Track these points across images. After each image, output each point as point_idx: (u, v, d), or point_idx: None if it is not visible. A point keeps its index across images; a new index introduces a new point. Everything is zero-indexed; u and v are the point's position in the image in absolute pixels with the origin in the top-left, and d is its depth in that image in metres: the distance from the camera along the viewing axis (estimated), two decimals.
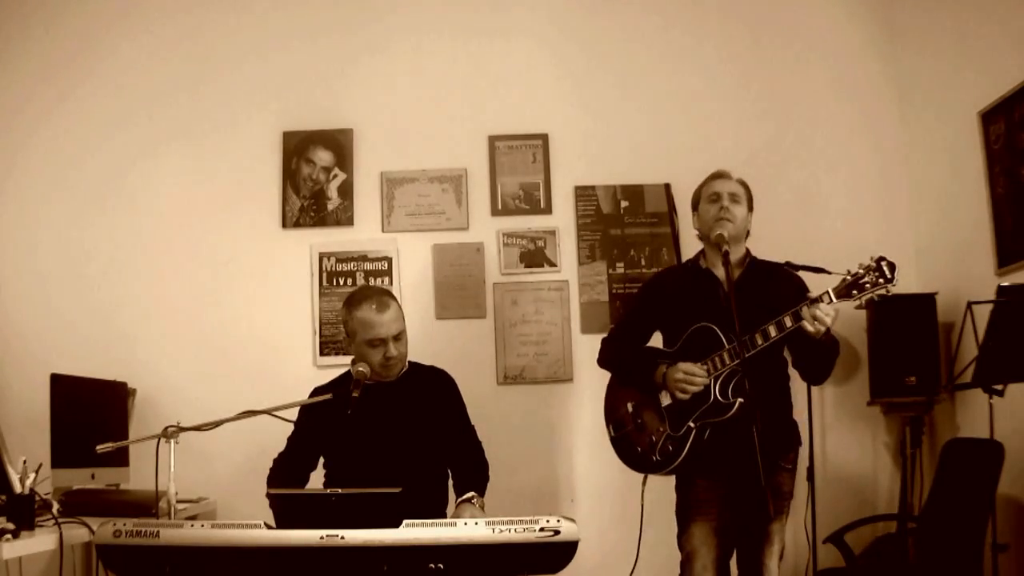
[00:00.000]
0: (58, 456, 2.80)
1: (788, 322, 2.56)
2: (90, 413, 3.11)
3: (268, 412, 2.61)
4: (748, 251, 2.87)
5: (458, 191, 4.00)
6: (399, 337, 2.86)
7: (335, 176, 4.00)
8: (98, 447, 2.56)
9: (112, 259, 3.90)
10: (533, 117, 4.04)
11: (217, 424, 2.57)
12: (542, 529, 2.14)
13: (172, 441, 2.46)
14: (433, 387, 2.99)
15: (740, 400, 2.62)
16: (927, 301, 3.59)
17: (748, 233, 2.87)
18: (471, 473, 2.92)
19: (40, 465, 2.50)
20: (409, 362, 2.97)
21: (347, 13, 4.07)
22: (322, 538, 2.10)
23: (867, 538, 3.62)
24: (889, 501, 3.79)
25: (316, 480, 3.00)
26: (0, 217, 3.91)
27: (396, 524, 2.14)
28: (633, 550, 3.01)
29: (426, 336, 3.68)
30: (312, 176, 4.00)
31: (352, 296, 2.92)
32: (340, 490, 2.26)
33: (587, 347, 3.71)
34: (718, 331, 2.67)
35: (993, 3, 3.41)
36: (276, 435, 2.88)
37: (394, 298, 2.90)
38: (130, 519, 2.20)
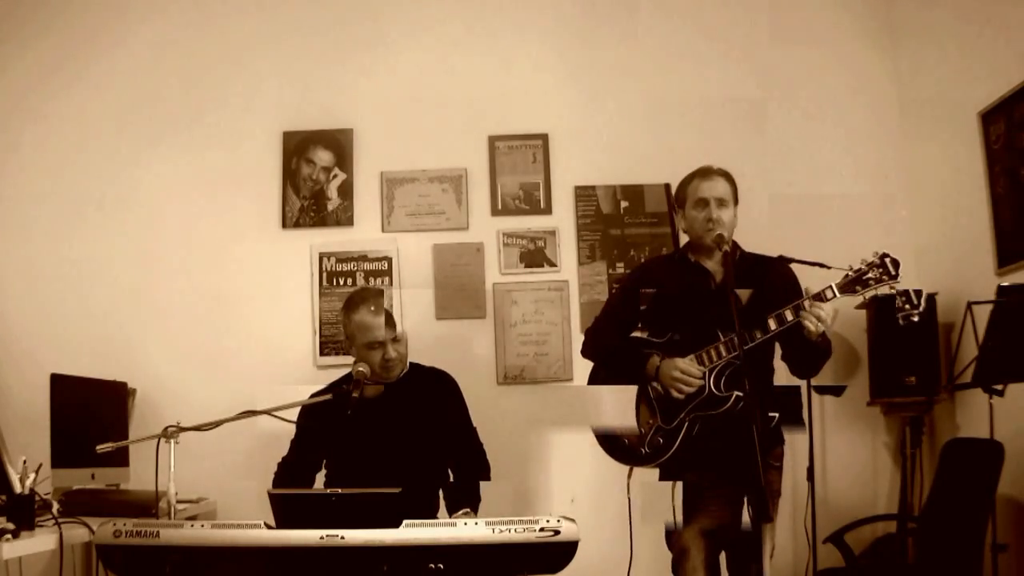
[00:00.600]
0: (58, 456, 2.80)
1: (789, 316, 2.56)
2: (90, 413, 3.11)
3: (268, 412, 2.62)
4: (735, 243, 2.85)
5: (458, 191, 4.00)
6: (397, 339, 2.87)
7: (335, 176, 4.00)
8: (98, 447, 2.56)
9: (112, 259, 3.90)
10: (533, 117, 4.04)
11: (217, 424, 2.57)
12: (542, 529, 2.14)
13: (172, 441, 2.46)
14: (434, 389, 2.99)
15: (737, 393, 2.61)
16: (927, 301, 3.58)
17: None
18: (466, 483, 2.93)
19: (40, 465, 2.50)
20: (411, 363, 2.97)
21: (347, 13, 4.07)
22: (322, 538, 2.10)
23: (867, 538, 3.62)
24: (889, 501, 3.79)
25: (317, 481, 3.00)
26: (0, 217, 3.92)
27: (396, 524, 2.14)
28: (634, 550, 3.00)
29: (426, 336, 3.68)
30: (312, 176, 4.00)
31: (349, 300, 2.95)
32: (340, 490, 2.26)
33: None
34: (713, 326, 2.65)
35: (993, 3, 3.41)
36: (276, 435, 2.88)
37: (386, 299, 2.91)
38: (130, 519, 2.20)
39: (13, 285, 3.85)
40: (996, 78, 3.34)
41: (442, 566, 2.12)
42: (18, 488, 2.33)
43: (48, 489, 2.71)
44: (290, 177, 4.00)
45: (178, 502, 2.46)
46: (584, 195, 4.01)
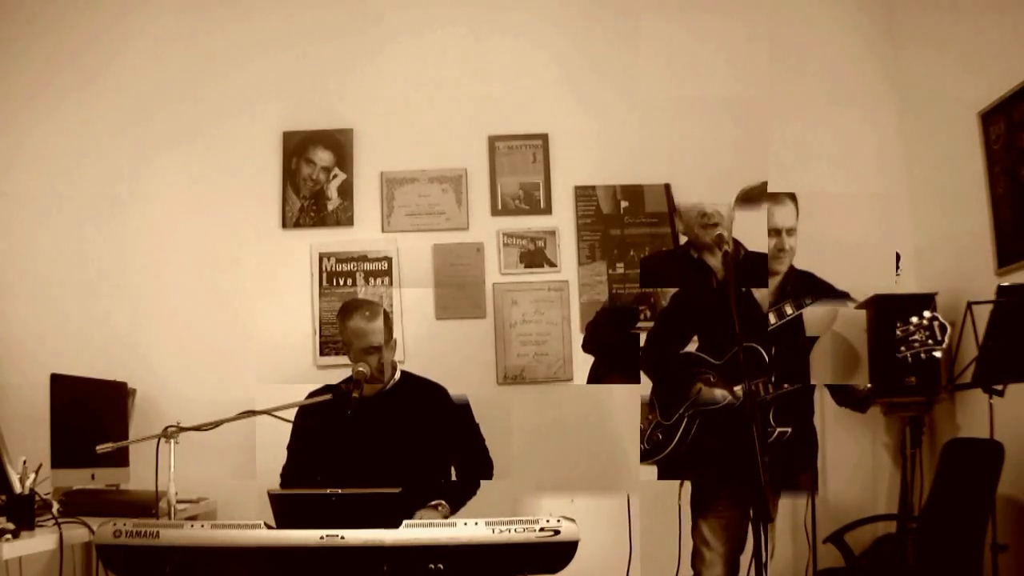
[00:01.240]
0: (58, 456, 2.80)
1: (788, 310, 2.57)
2: (90, 413, 3.11)
3: (268, 412, 2.62)
4: (737, 242, 2.85)
5: (458, 191, 4.00)
6: (389, 343, 2.92)
7: (335, 176, 4.00)
8: (98, 447, 2.57)
9: (112, 259, 3.90)
10: (533, 117, 4.04)
11: (217, 424, 2.57)
12: (542, 529, 2.14)
13: (172, 441, 2.46)
14: (424, 402, 3.01)
15: (736, 388, 2.61)
16: (927, 301, 3.58)
17: None
18: (466, 482, 2.95)
19: (40, 465, 2.50)
20: (403, 372, 2.99)
21: (347, 13, 4.07)
22: (322, 538, 2.11)
23: (867, 538, 3.61)
24: (889, 501, 3.79)
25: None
26: (0, 217, 3.91)
27: (396, 524, 2.14)
28: (634, 550, 3.01)
29: (426, 336, 3.68)
30: (312, 176, 4.00)
31: (344, 307, 3.00)
32: (340, 490, 2.26)
33: None
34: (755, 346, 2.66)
35: (993, 3, 3.41)
36: (276, 435, 2.89)
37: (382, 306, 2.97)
38: (130, 519, 2.21)
39: (14, 285, 3.85)
40: (996, 78, 3.33)
41: (442, 566, 2.12)
42: (18, 488, 2.33)
43: (48, 489, 2.71)
44: (290, 177, 4.00)
45: (178, 502, 2.46)
46: (584, 195, 4.01)
